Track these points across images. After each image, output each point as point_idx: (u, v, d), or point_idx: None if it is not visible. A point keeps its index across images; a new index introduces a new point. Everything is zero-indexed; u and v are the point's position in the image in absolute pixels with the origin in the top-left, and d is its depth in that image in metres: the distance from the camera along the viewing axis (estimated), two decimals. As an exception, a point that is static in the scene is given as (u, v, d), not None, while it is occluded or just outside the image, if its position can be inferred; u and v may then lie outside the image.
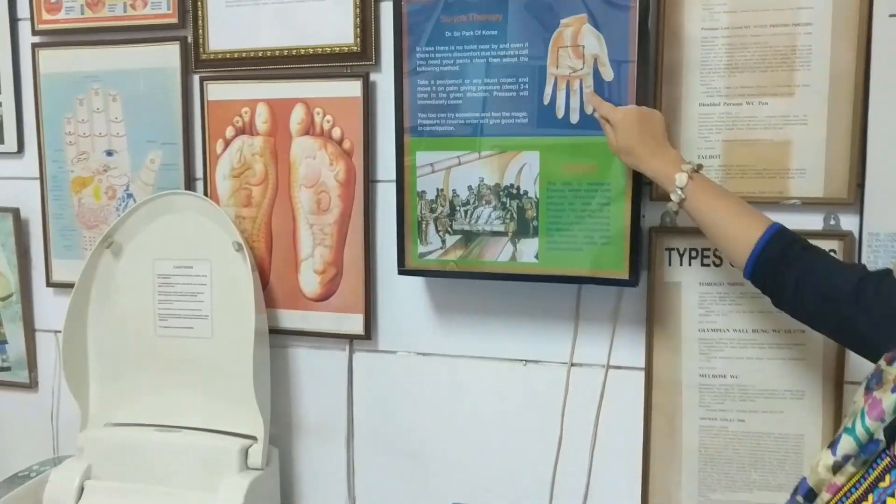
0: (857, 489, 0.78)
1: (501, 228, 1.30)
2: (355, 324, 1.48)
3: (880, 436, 0.78)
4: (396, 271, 1.38)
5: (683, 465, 1.35)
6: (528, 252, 1.29)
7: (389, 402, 1.51)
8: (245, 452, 1.45)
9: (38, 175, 1.65)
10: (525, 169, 1.27)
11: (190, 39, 1.52)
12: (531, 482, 1.43)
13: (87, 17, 1.58)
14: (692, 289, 1.31)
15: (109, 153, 1.60)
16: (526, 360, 1.42)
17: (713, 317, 1.31)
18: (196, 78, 1.52)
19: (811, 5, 1.20)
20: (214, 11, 1.49)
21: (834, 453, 0.81)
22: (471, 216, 1.31)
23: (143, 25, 1.54)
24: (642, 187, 1.25)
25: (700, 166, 1.15)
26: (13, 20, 1.65)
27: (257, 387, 1.43)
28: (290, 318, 1.52)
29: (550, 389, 1.41)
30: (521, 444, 1.43)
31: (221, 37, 1.50)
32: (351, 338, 1.50)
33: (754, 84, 1.23)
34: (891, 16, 1.17)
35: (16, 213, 1.68)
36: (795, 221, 1.15)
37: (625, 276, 1.25)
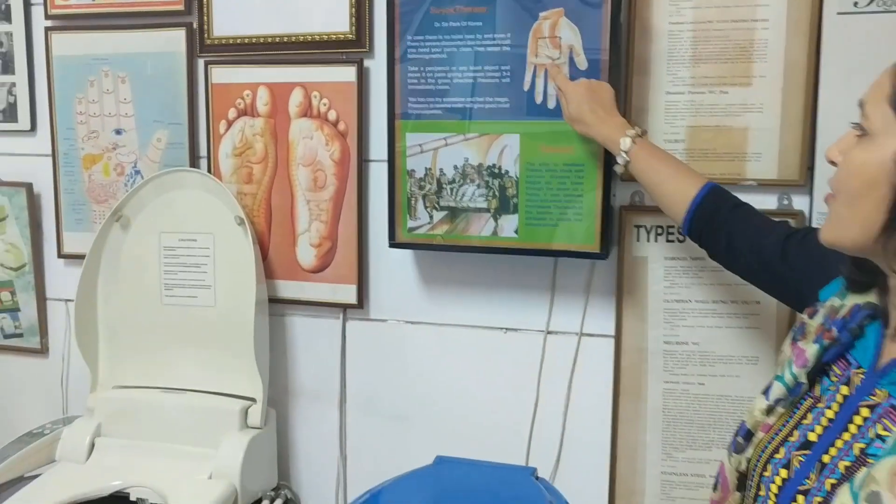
0: (784, 427, 0.88)
1: (484, 205, 1.41)
2: (349, 294, 1.59)
3: (804, 380, 0.88)
4: (387, 245, 1.49)
5: (649, 425, 1.46)
6: (508, 227, 1.40)
7: (380, 367, 1.62)
8: (245, 412, 1.57)
9: (50, 152, 1.75)
10: (506, 150, 1.38)
11: (195, 25, 1.62)
12: (510, 440, 1.54)
13: (98, 2, 1.67)
14: (658, 263, 1.42)
15: (118, 132, 1.70)
16: (506, 328, 1.53)
17: (677, 289, 1.42)
18: (201, 62, 1.62)
19: (767, 3, 1.30)
20: None
21: (767, 398, 0.91)
22: (456, 193, 1.42)
23: (151, 11, 1.64)
24: (613, 169, 1.36)
25: (644, 132, 1.25)
26: (27, 4, 1.74)
27: (257, 352, 1.54)
28: (288, 289, 1.62)
29: (528, 355, 1.52)
30: (501, 405, 1.54)
31: (225, 23, 1.60)
32: (344, 307, 1.61)
33: (716, 74, 1.34)
34: (839, 13, 1.28)
35: (29, 188, 1.78)
36: (752, 201, 1.24)
37: (596, 249, 1.36)
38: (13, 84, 1.77)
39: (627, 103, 1.37)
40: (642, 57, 1.37)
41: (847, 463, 0.77)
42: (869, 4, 1.26)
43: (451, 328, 1.56)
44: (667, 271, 1.42)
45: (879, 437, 0.76)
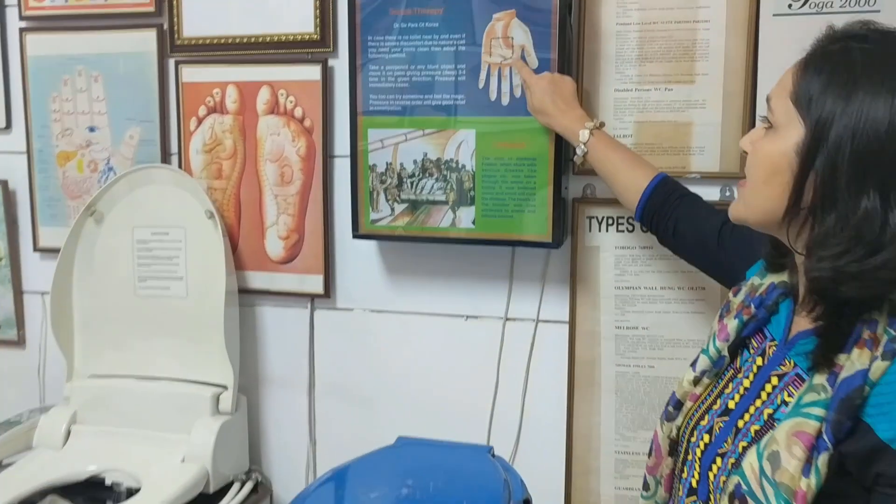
0: (710, 396, 0.96)
1: (443, 198, 1.47)
2: (316, 284, 1.65)
3: (726, 353, 0.96)
4: (351, 236, 1.55)
5: (602, 406, 1.54)
6: (465, 218, 1.47)
7: (347, 354, 1.68)
8: (216, 399, 1.62)
9: (25, 150, 1.80)
10: (463, 145, 1.44)
11: (166, 26, 1.67)
12: (472, 422, 1.61)
13: (72, 4, 1.72)
14: (609, 252, 1.49)
15: (92, 129, 1.75)
16: (467, 316, 1.60)
17: (627, 276, 1.49)
18: (171, 61, 1.68)
19: (708, 5, 1.38)
20: (188, 1, 1.64)
21: (694, 370, 0.99)
22: (416, 187, 1.48)
23: (123, 13, 1.69)
24: (564, 163, 1.43)
25: (602, 124, 1.33)
26: (1, 6, 1.78)
27: (227, 340, 1.60)
28: (258, 279, 1.69)
29: (488, 341, 1.59)
30: (462, 388, 1.61)
31: (195, 24, 1.65)
32: (312, 297, 1.67)
33: (661, 73, 1.42)
34: (774, 15, 1.35)
35: (4, 184, 1.82)
36: (696, 193, 1.33)
37: (549, 239, 1.43)
38: (-12, 83, 1.82)
39: (579, 100, 1.44)
40: (592, 56, 1.44)
41: (757, 427, 0.85)
42: (802, 7, 1.34)
43: (415, 316, 1.63)
44: (617, 260, 1.49)
45: (785, 402, 0.84)
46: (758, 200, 0.87)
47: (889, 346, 0.77)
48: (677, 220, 1.23)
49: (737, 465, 0.83)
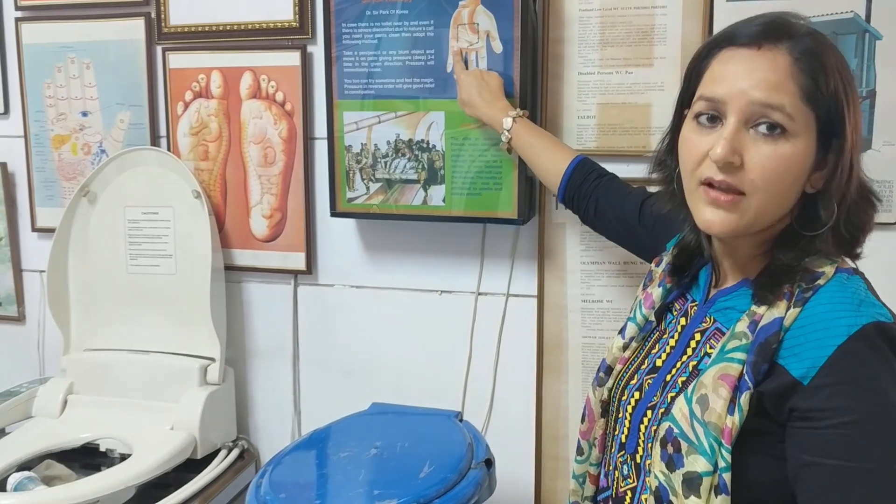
0: (637, 358, 1.03)
1: (415, 177, 1.55)
2: (298, 261, 1.73)
3: (652, 318, 1.04)
4: (329, 214, 1.63)
5: (570, 376, 1.61)
6: (436, 196, 1.54)
7: (328, 327, 1.76)
8: (204, 371, 1.71)
9: (22, 133, 1.88)
10: (433, 126, 1.51)
11: (153, 15, 1.74)
12: (447, 391, 1.68)
13: (64, -6, 1.80)
14: (574, 228, 1.56)
15: (84, 114, 1.83)
16: (441, 291, 1.68)
17: (592, 252, 1.56)
18: (159, 49, 1.75)
19: (665, -9, 1.44)
20: (174, -10, 1.72)
21: (623, 336, 1.06)
22: (389, 166, 1.56)
23: (113, 2, 1.77)
24: (529, 142, 1.49)
25: (525, 113, 1.41)
26: (-2, -3, 1.87)
27: (214, 315, 1.68)
28: (243, 257, 1.76)
29: (461, 314, 1.66)
30: (437, 360, 1.69)
31: (181, 13, 1.72)
32: (295, 273, 1.75)
33: (622, 56, 1.48)
34: (728, 0, 1.41)
35: (3, 167, 1.91)
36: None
37: (514, 216, 1.51)
38: (-13, 71, 1.90)
39: (543, 84, 1.51)
40: (556, 41, 1.50)
41: (683, 378, 0.92)
42: (754, -8, 1.40)
43: (392, 291, 1.70)
44: (582, 236, 1.56)
45: (707, 354, 0.91)
46: (774, 205, 0.86)
47: (800, 296, 0.85)
48: (598, 199, 1.30)
49: (666, 412, 0.90)
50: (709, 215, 0.87)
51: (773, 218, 0.87)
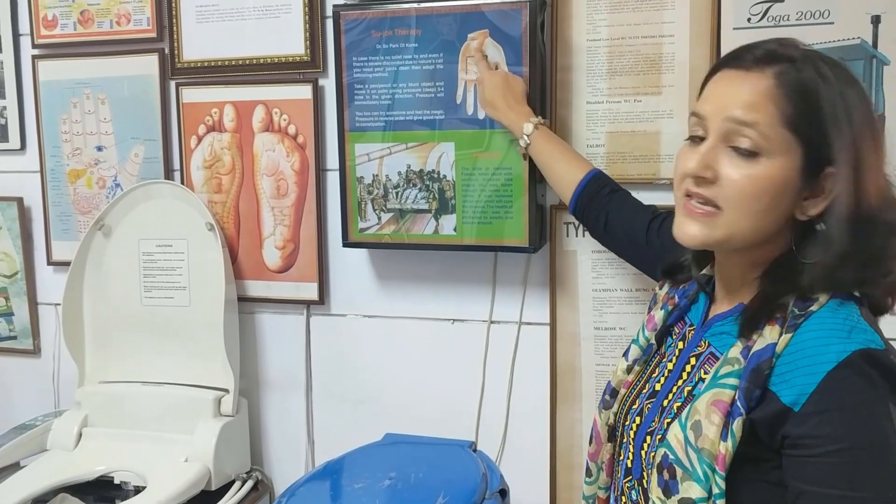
0: (640, 382, 1.04)
1: (426, 206, 1.56)
2: (311, 291, 1.74)
3: (653, 341, 1.05)
4: (341, 244, 1.64)
5: (583, 404, 1.60)
6: (447, 226, 1.55)
7: (341, 357, 1.77)
8: (218, 402, 1.71)
9: (38, 168, 1.90)
10: (443, 157, 1.53)
11: (167, 51, 1.77)
12: (460, 420, 1.68)
13: (80, 32, 1.83)
14: (586, 256, 1.56)
15: (99, 148, 1.85)
16: (453, 319, 1.68)
17: (603, 279, 1.56)
18: (172, 84, 1.78)
19: (672, 20, 1.46)
20: (187, 27, 1.74)
21: (627, 359, 1.07)
22: (401, 196, 1.57)
23: (127, 39, 1.80)
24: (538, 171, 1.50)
25: (546, 122, 1.43)
26: (16, 35, 1.90)
27: (228, 346, 1.69)
28: (256, 288, 1.77)
29: (474, 343, 1.66)
30: (450, 389, 1.69)
31: (194, 48, 1.75)
32: (308, 303, 1.76)
33: (630, 85, 1.49)
34: (734, 28, 1.43)
35: (20, 201, 1.93)
36: (666, 198, 1.40)
37: (525, 244, 1.51)
38: (4, 107, 1.92)
39: (553, 112, 1.52)
40: (564, 70, 1.52)
41: (678, 403, 0.93)
42: (760, 20, 1.42)
43: (404, 320, 1.71)
44: (594, 264, 1.56)
45: (702, 379, 0.92)
46: (749, 224, 0.87)
47: (792, 322, 0.85)
48: (608, 213, 1.31)
49: (662, 438, 0.90)
50: (682, 226, 0.91)
51: (751, 238, 0.88)
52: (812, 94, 0.85)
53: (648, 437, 0.95)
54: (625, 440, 1.01)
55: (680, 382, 0.95)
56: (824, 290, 0.86)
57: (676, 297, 1.04)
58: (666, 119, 1.48)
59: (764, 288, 0.90)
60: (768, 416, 0.83)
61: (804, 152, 0.85)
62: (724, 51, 1.43)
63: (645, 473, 0.94)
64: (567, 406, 1.61)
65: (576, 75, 1.52)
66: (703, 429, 0.85)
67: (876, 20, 1.36)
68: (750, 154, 0.85)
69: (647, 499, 0.94)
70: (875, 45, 1.37)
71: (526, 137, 1.40)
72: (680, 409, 0.92)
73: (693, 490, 0.85)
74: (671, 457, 0.88)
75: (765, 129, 0.84)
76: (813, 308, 0.85)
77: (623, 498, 1.00)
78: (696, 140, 0.91)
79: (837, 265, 0.85)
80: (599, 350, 1.58)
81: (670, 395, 0.95)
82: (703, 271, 1.02)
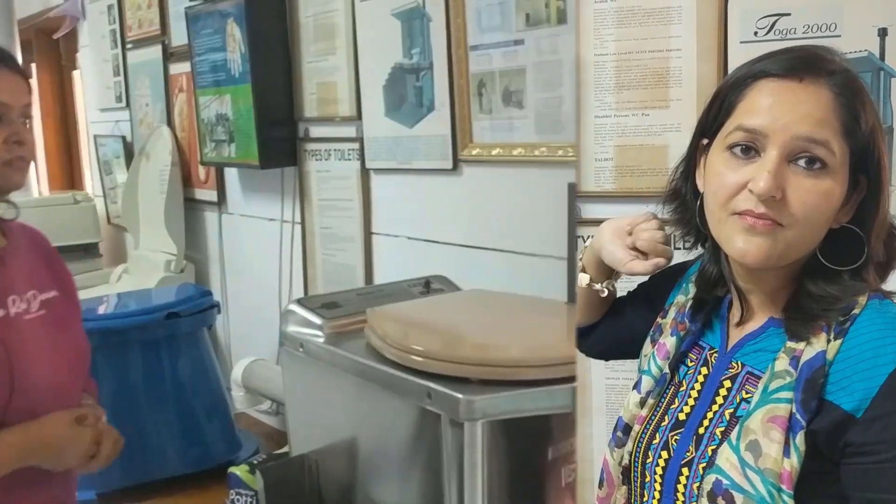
0: (655, 415, 0.98)
1: (224, 138, 2.60)
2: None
3: (667, 370, 0.98)
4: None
5: (594, 419, 1.60)
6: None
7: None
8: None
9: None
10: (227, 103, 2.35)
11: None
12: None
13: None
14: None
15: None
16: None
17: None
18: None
19: (680, 34, 1.46)
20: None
21: (639, 391, 1.00)
22: (215, 131, 2.51)
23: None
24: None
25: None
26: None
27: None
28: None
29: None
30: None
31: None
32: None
33: (638, 99, 1.50)
34: (741, 42, 1.43)
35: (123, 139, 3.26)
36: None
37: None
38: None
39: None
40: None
41: (722, 428, 0.89)
42: (767, 34, 1.42)
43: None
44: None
45: (744, 399, 0.88)
46: (809, 238, 0.85)
47: (838, 328, 0.84)
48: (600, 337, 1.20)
49: (710, 465, 0.86)
50: (742, 244, 0.85)
51: (804, 252, 0.86)
52: (863, 103, 0.84)
53: (685, 470, 0.90)
54: (647, 480, 0.95)
55: (715, 408, 0.91)
56: (862, 293, 0.86)
57: (686, 320, 0.99)
58: (674, 132, 1.49)
59: (801, 292, 0.88)
60: (829, 426, 0.80)
61: (852, 161, 0.84)
62: (733, 64, 1.43)
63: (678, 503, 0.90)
64: (579, 421, 1.60)
65: (583, 90, 1.53)
66: (763, 447, 0.82)
67: (883, 32, 1.36)
68: (818, 170, 0.82)
69: None
70: (882, 57, 1.37)
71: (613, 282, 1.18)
72: (724, 433, 0.88)
73: None
74: (726, 482, 0.83)
75: (833, 145, 0.82)
76: (856, 311, 0.84)
77: None
78: (738, 155, 0.85)
79: (868, 267, 0.86)
80: (610, 364, 1.57)
81: (705, 422, 0.91)
82: (716, 292, 0.97)
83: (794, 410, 0.81)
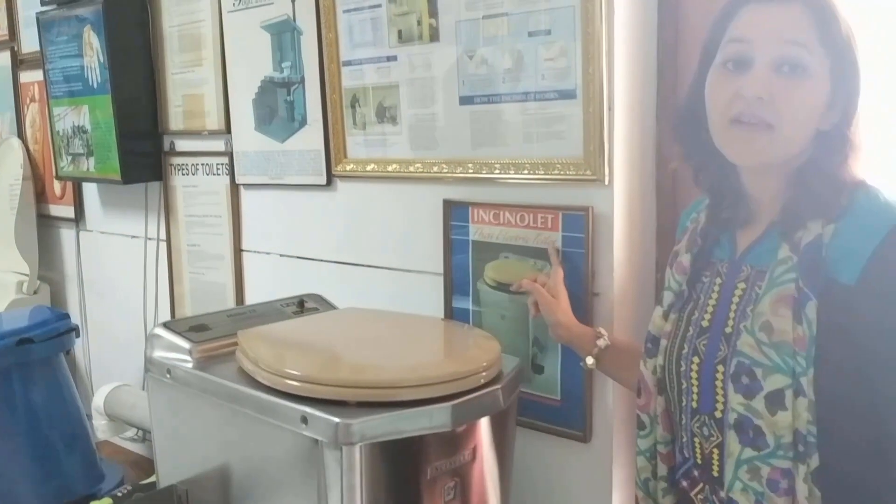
0: (680, 330, 1.07)
1: (83, 151, 2.49)
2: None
3: (685, 286, 1.08)
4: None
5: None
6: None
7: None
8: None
9: None
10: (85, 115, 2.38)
11: None
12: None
13: None
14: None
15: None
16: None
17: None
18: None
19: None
20: None
21: (662, 305, 1.10)
22: (72, 144, 2.42)
23: None
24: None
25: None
26: None
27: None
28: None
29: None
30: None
31: None
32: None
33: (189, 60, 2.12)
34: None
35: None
36: None
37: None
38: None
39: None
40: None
41: (746, 322, 0.97)
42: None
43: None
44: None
45: (757, 294, 0.96)
46: (797, 142, 0.96)
47: (832, 215, 0.94)
48: None
49: (734, 354, 0.95)
50: (739, 146, 0.97)
51: (795, 150, 0.97)
52: (836, 15, 0.94)
53: (720, 367, 0.98)
54: (684, 386, 1.03)
55: (734, 308, 0.99)
56: (851, 187, 0.94)
57: (699, 238, 1.08)
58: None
59: (798, 192, 0.97)
60: (830, 299, 0.88)
61: (831, 66, 0.94)
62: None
63: (718, 405, 0.97)
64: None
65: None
66: (774, 325, 0.91)
67: None
68: (803, 73, 0.93)
69: (721, 428, 0.96)
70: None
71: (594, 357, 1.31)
72: (747, 326, 0.96)
73: (777, 381, 0.90)
74: (746, 362, 0.92)
75: (813, 48, 0.93)
76: (844, 200, 0.93)
77: (696, 440, 1.01)
78: (730, 69, 0.97)
79: (853, 162, 0.94)
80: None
81: (730, 322, 0.99)
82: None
83: (800, 287, 0.89)
